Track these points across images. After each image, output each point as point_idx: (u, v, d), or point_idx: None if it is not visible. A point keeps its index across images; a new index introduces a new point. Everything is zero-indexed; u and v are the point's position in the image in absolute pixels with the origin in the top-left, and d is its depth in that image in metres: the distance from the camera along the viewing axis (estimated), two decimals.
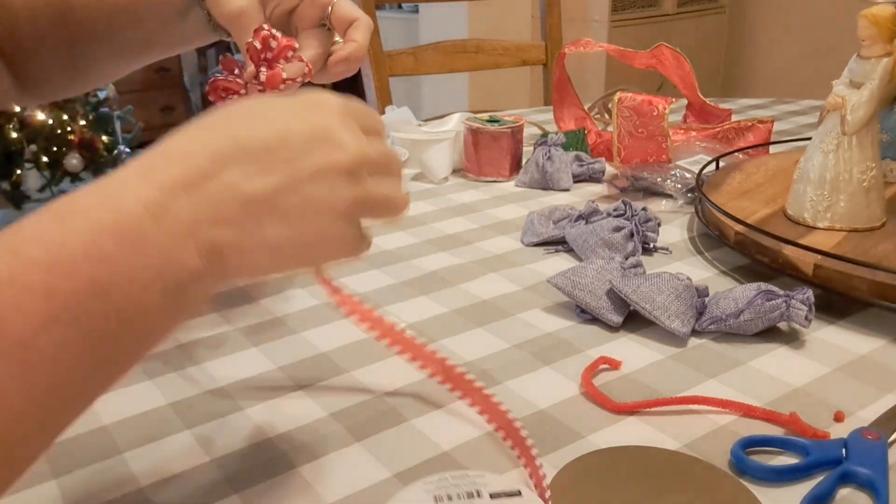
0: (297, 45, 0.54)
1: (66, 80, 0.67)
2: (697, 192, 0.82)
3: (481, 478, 0.42)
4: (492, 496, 0.40)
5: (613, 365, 0.55)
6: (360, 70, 1.65)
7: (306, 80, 0.55)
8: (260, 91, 0.53)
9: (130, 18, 0.62)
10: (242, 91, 0.55)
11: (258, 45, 0.53)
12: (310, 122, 0.37)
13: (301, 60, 0.54)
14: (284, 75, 0.53)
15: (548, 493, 0.40)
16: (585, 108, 1.12)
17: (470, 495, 0.41)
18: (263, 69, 0.53)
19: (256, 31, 0.54)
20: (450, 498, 0.41)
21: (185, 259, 0.33)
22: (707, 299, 0.61)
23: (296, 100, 0.38)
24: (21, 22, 0.61)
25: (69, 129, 3.09)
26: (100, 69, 0.67)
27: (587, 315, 0.62)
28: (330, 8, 0.58)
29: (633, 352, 0.58)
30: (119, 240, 0.31)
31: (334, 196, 0.37)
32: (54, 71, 0.65)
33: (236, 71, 0.56)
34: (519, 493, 0.40)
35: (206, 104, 0.55)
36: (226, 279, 0.35)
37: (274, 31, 0.53)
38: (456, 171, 1.05)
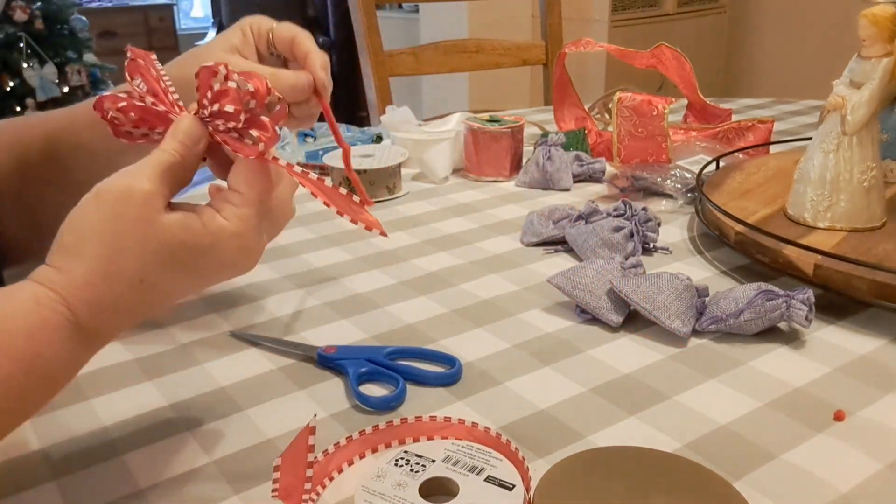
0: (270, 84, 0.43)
1: (26, 234, 0.63)
2: (698, 192, 0.82)
3: (490, 458, 0.43)
4: (486, 479, 0.41)
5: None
6: (359, 70, 1.64)
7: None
8: (236, 148, 0.43)
9: (82, 154, 0.60)
10: (157, 134, 0.44)
11: (232, 110, 0.41)
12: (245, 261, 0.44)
13: (280, 101, 0.44)
14: (278, 128, 0.44)
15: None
16: (586, 107, 1.12)
17: (472, 469, 0.42)
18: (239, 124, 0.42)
19: (204, 76, 0.41)
20: (455, 462, 0.42)
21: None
22: (707, 299, 0.61)
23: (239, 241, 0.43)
24: None
25: None
26: (51, 222, 0.65)
27: (587, 315, 0.62)
28: (270, 34, 0.55)
29: (633, 352, 0.58)
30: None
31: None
32: (17, 229, 0.63)
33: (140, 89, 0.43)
34: (512, 488, 0.40)
35: None
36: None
37: (236, 76, 0.41)
38: (456, 171, 1.04)
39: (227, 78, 0.41)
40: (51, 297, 0.39)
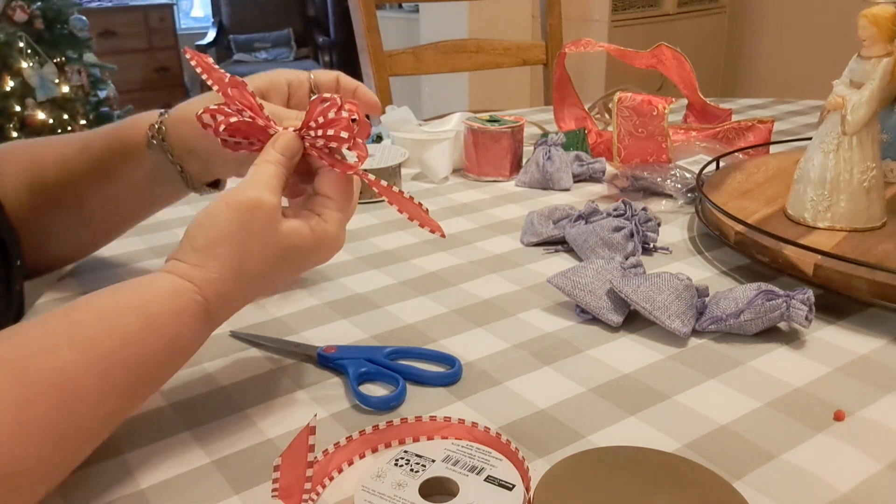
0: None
1: (34, 251, 0.67)
2: (698, 191, 0.82)
3: (490, 458, 0.43)
4: (486, 479, 0.41)
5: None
6: (359, 70, 1.64)
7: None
8: (337, 161, 0.50)
9: (97, 180, 0.64)
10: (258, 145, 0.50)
11: (346, 136, 0.48)
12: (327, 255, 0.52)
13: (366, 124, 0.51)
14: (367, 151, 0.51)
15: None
16: (586, 107, 1.12)
17: (472, 469, 0.42)
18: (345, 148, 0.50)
19: (316, 102, 0.49)
20: (455, 462, 0.42)
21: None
22: (707, 299, 0.61)
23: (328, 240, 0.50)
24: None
25: (69, 128, 3.09)
26: (62, 239, 0.68)
27: (587, 315, 0.62)
28: (311, 80, 0.62)
29: (633, 352, 0.58)
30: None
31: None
32: (27, 247, 0.66)
33: (246, 113, 0.50)
34: (512, 488, 0.40)
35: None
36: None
37: (347, 106, 0.49)
38: (456, 171, 1.04)
39: (340, 108, 0.48)
40: (189, 288, 0.46)
